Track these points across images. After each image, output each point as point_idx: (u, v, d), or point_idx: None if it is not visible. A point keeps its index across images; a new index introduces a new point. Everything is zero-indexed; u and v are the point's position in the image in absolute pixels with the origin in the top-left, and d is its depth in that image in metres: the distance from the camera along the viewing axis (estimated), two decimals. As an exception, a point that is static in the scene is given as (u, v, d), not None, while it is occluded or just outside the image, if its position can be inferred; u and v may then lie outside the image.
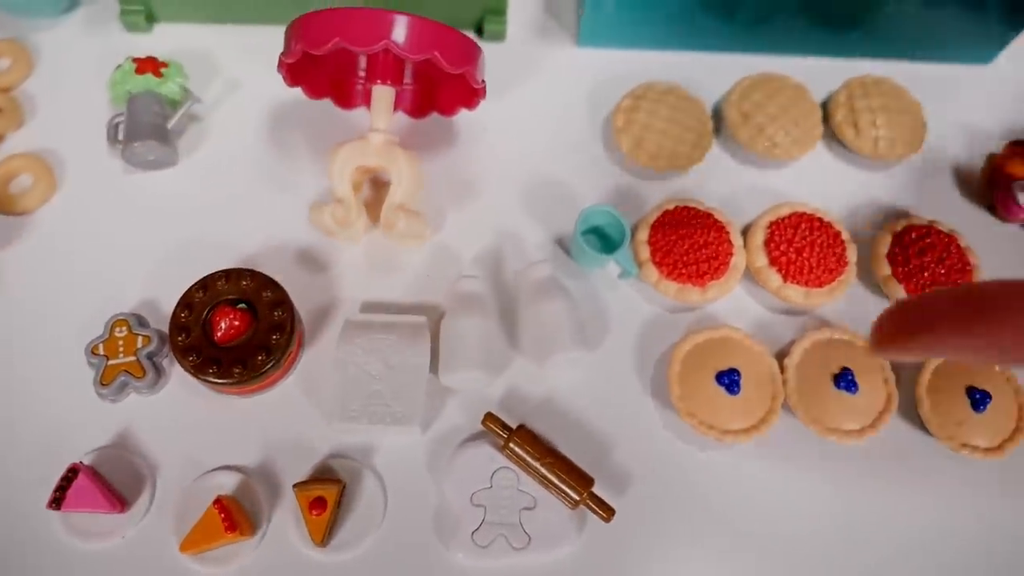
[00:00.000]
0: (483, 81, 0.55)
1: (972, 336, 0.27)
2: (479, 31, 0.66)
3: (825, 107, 0.66)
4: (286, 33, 0.52)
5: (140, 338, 0.54)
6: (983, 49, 0.69)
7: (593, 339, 0.56)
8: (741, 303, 0.59)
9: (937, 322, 0.28)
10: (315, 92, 0.59)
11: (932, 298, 0.28)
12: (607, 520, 0.50)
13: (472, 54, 0.52)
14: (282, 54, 0.52)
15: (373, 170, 0.57)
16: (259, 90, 0.64)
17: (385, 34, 0.48)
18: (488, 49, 0.65)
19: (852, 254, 0.59)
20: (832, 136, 0.65)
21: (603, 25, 0.65)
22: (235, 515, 0.49)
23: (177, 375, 0.55)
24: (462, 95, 0.59)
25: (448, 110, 0.60)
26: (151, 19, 0.65)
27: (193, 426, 0.53)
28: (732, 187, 0.63)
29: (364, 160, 0.54)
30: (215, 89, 0.64)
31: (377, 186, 0.61)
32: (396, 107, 0.62)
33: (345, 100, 0.61)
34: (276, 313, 0.52)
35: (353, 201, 0.54)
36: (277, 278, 0.56)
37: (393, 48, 0.48)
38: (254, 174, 0.61)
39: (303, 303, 0.56)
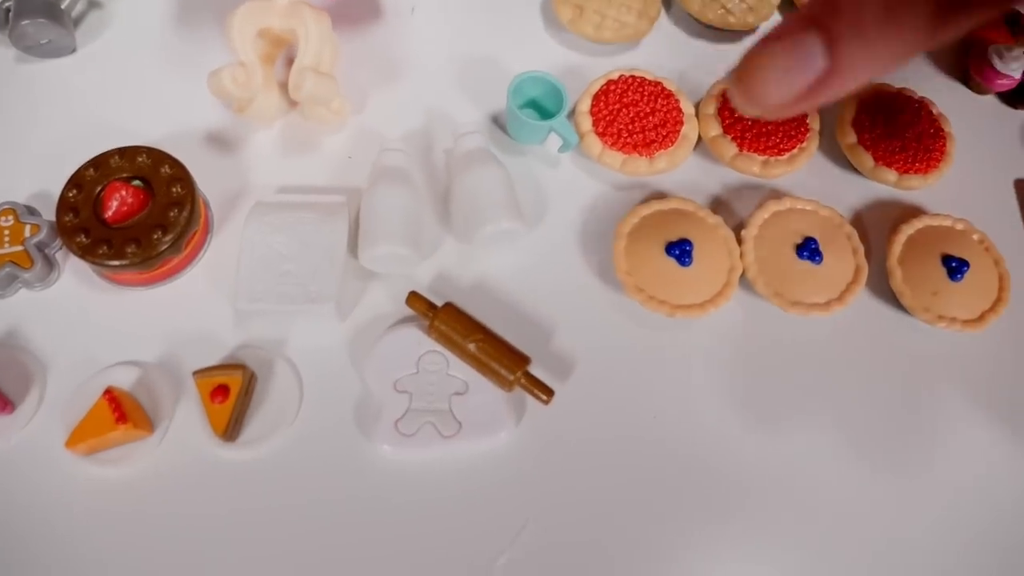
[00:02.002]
0: None
1: None
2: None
3: (783, -23, 0.61)
4: None
5: (28, 227, 0.49)
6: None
7: (532, 219, 0.51)
8: (693, 176, 0.54)
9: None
10: None
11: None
12: (546, 402, 0.45)
13: None
14: None
15: (281, 38, 0.52)
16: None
17: None
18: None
19: (815, 122, 0.54)
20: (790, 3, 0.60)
21: None
22: (127, 407, 0.43)
23: (73, 268, 0.49)
24: None
25: None
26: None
27: (90, 322, 0.48)
28: (684, 61, 0.58)
29: (266, 20, 0.49)
30: (118, -27, 0.58)
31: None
32: None
33: None
34: (175, 189, 0.47)
35: (258, 65, 0.49)
36: (188, 164, 0.52)
37: None
38: (160, 58, 0.55)
39: (213, 189, 0.51)
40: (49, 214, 0.50)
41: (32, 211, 0.50)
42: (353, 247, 0.48)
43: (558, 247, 0.51)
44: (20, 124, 0.53)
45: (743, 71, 0.23)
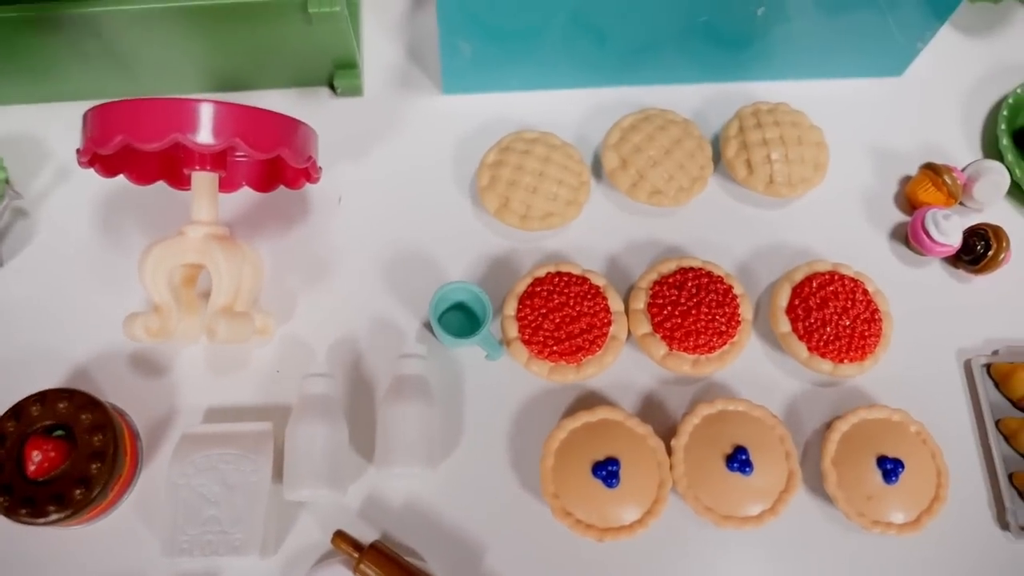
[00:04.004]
0: (311, 158, 0.49)
1: None
2: (332, 88, 0.60)
3: (717, 142, 0.60)
4: (82, 128, 0.46)
5: (-44, 470, 0.49)
6: (893, 60, 0.63)
7: (462, 428, 0.51)
8: (625, 374, 0.53)
9: None
10: (143, 178, 0.53)
11: None
12: (473, 646, 0.45)
13: (287, 135, 0.46)
14: (78, 150, 0.46)
15: (200, 264, 0.52)
16: (91, 176, 0.57)
17: (174, 127, 0.42)
18: (345, 105, 0.60)
19: (747, 310, 0.53)
20: (725, 172, 0.59)
21: (466, 71, 0.59)
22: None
23: None
24: (288, 175, 0.54)
25: (293, 182, 0.54)
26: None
27: (11, 564, 0.48)
28: (616, 241, 0.57)
29: (181, 258, 0.48)
30: (44, 178, 0.58)
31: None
32: (240, 182, 0.57)
33: (180, 181, 0.55)
34: (96, 438, 0.47)
35: (174, 306, 0.49)
36: (112, 388, 0.52)
37: (185, 141, 0.43)
38: (87, 272, 0.55)
39: (142, 414, 0.51)
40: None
41: (-39, 450, 0.50)
42: (280, 475, 0.48)
43: (488, 461, 0.50)
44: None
45: None
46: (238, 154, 0.55)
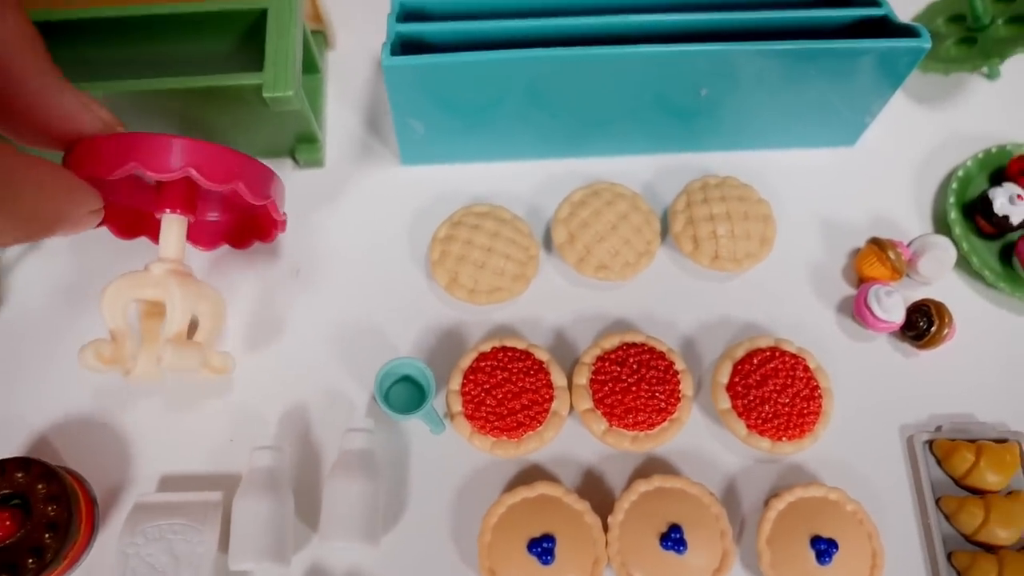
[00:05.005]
0: (270, 197, 0.52)
1: None
2: (295, 159, 0.62)
3: (666, 213, 0.61)
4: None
5: (-82, 537, 0.51)
6: (845, 130, 0.64)
7: (405, 499, 0.52)
8: (566, 448, 0.54)
9: None
10: (124, 230, 0.56)
11: None
12: None
13: (242, 170, 0.49)
14: None
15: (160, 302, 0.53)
16: (53, 246, 0.60)
17: (130, 157, 0.45)
18: (306, 177, 0.62)
19: (688, 387, 0.54)
20: (672, 245, 0.60)
21: (421, 144, 0.61)
22: None
23: (-37, 572, 0.51)
24: (261, 227, 0.56)
25: (266, 235, 0.57)
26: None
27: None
28: (564, 314, 0.58)
29: (139, 292, 0.50)
30: (11, 251, 0.60)
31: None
32: (218, 240, 0.59)
33: (125, 230, 0.57)
34: (51, 509, 0.49)
35: (128, 334, 0.51)
36: (71, 453, 0.54)
37: (195, 177, 0.46)
38: (46, 339, 0.57)
39: (99, 479, 0.53)
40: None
41: (-74, 515, 0.52)
42: (226, 545, 0.50)
43: (430, 534, 0.52)
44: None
45: None
46: (210, 215, 0.58)
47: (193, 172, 0.45)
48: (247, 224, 0.58)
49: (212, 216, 0.59)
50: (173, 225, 0.51)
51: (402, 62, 0.52)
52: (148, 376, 0.52)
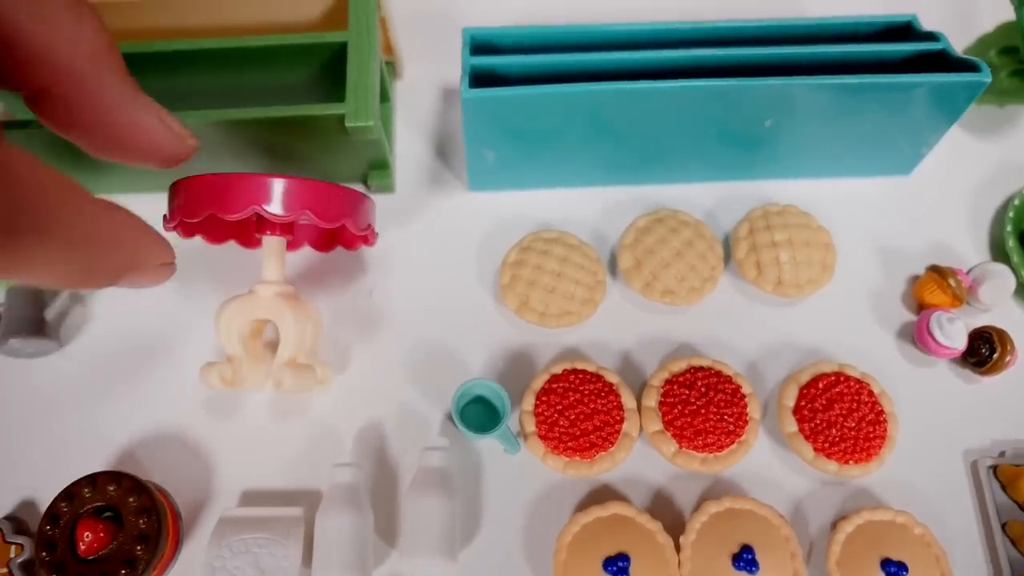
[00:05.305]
0: (369, 226, 0.55)
1: None
2: (366, 184, 0.65)
3: (728, 240, 0.63)
4: (168, 196, 0.52)
5: (13, 547, 0.53)
6: (901, 160, 0.65)
7: (479, 516, 0.54)
8: (637, 469, 0.55)
9: None
10: (215, 238, 0.59)
11: None
12: None
13: (349, 206, 0.52)
14: (164, 217, 0.52)
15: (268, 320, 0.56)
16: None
17: (253, 200, 0.48)
18: (378, 201, 0.64)
19: (755, 410, 0.55)
20: (735, 271, 0.61)
21: (490, 172, 0.63)
22: None
23: (53, 583, 0.53)
24: (346, 236, 0.60)
25: (350, 245, 0.61)
26: (40, 196, 0.65)
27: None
28: (629, 338, 0.60)
29: (252, 314, 0.53)
30: (102, 265, 0.63)
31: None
32: (302, 242, 0.62)
33: (248, 241, 0.61)
34: (142, 521, 0.51)
35: (246, 358, 0.54)
36: (157, 469, 0.55)
37: (263, 213, 0.48)
38: (132, 357, 0.59)
39: (183, 494, 0.55)
40: (35, 522, 0.54)
41: (19, 526, 0.54)
42: (309, 560, 0.52)
43: (504, 552, 0.53)
44: (6, 428, 0.57)
45: None
46: (302, 219, 0.60)
47: (309, 214, 0.48)
48: (333, 231, 0.61)
49: (303, 221, 0.61)
50: (274, 247, 0.53)
51: (481, 94, 0.54)
52: (255, 384, 0.55)
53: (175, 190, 0.51)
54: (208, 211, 0.48)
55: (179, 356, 0.59)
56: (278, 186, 0.49)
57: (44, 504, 0.55)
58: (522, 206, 0.64)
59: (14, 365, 0.59)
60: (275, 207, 0.48)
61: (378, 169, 0.63)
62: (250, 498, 0.55)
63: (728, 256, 0.62)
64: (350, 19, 0.58)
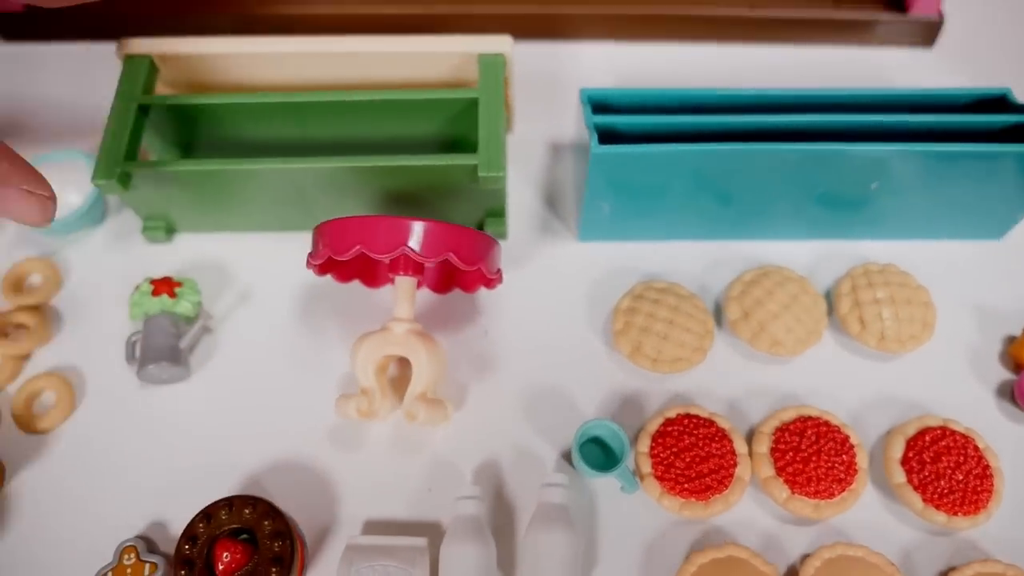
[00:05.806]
0: (499, 270, 0.58)
1: None
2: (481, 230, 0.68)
3: (829, 296, 0.65)
4: (313, 236, 0.56)
5: (148, 565, 0.55)
6: (993, 225, 0.68)
7: (595, 557, 0.55)
8: (748, 514, 0.57)
9: None
10: (343, 277, 0.62)
11: None
12: None
13: (485, 250, 0.55)
14: (310, 255, 0.56)
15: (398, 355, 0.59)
16: (271, 300, 0.66)
17: (402, 241, 0.51)
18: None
19: (863, 459, 0.57)
20: (838, 326, 0.64)
21: (602, 222, 0.66)
22: None
23: (183, 601, 0.55)
24: (465, 279, 0.63)
25: (469, 287, 0.63)
26: (171, 231, 0.69)
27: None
28: (736, 386, 0.62)
29: (387, 350, 0.57)
30: (229, 297, 0.66)
31: (402, 364, 0.63)
32: (422, 284, 0.65)
33: (372, 280, 0.65)
34: (276, 545, 0.53)
35: (378, 391, 0.57)
36: (285, 495, 0.57)
37: (410, 253, 0.51)
38: (259, 388, 0.62)
39: (309, 520, 0.57)
40: (164, 543, 0.56)
41: (151, 546, 0.56)
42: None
43: (619, 591, 0.54)
44: (138, 452, 0.60)
45: None
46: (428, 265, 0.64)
47: (452, 256, 0.51)
48: (452, 272, 0.64)
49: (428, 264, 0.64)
50: (406, 286, 0.57)
51: (610, 150, 0.58)
52: (382, 416, 0.58)
53: (323, 229, 0.55)
54: (358, 248, 0.52)
55: (303, 388, 0.62)
56: (426, 229, 0.52)
57: (172, 525, 0.57)
58: (629, 257, 0.67)
59: (149, 394, 0.62)
60: (422, 248, 0.52)
61: (494, 216, 0.67)
62: (372, 527, 0.57)
63: (830, 311, 0.65)
64: (481, 78, 0.63)
